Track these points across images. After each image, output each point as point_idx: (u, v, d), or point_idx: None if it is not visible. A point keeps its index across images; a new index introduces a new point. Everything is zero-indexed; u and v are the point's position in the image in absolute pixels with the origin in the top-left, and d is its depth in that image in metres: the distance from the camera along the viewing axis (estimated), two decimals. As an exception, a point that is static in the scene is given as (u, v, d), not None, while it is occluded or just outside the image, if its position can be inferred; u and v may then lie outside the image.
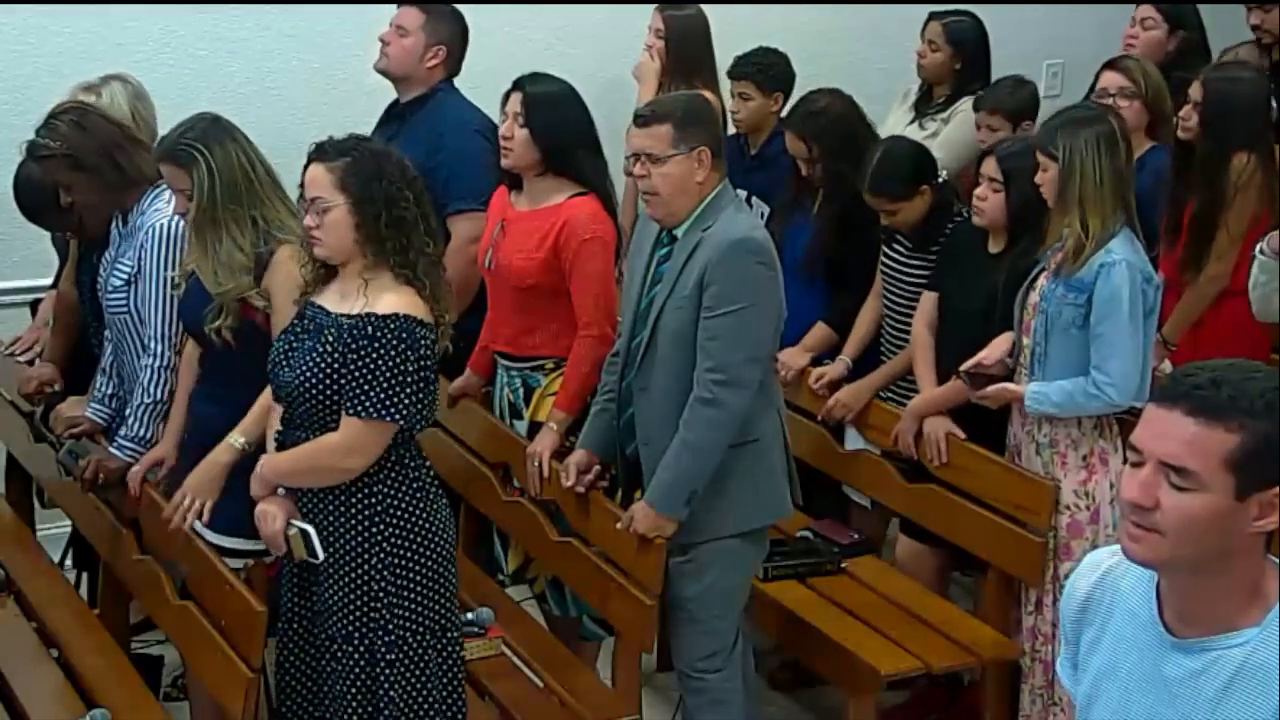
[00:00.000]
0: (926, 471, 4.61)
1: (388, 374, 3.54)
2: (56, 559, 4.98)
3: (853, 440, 4.95)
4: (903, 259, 4.84)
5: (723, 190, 4.06)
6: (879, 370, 4.89)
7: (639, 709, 4.18)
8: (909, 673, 4.38)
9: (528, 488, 4.46)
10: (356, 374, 3.55)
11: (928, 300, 4.70)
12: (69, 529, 5.08)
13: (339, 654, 3.69)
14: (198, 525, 4.02)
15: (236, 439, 3.95)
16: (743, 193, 5.34)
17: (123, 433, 4.30)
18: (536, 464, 4.39)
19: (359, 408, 3.55)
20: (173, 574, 4.05)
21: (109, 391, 4.50)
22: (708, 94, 5.30)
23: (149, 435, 4.28)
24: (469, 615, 4.32)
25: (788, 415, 4.32)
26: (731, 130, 5.62)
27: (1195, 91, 4.83)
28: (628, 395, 4.15)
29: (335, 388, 3.58)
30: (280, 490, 3.74)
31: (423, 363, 3.58)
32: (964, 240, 4.63)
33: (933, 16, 5.83)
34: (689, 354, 3.97)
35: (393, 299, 3.58)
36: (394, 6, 5.28)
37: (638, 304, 4.12)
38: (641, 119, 4.06)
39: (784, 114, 5.40)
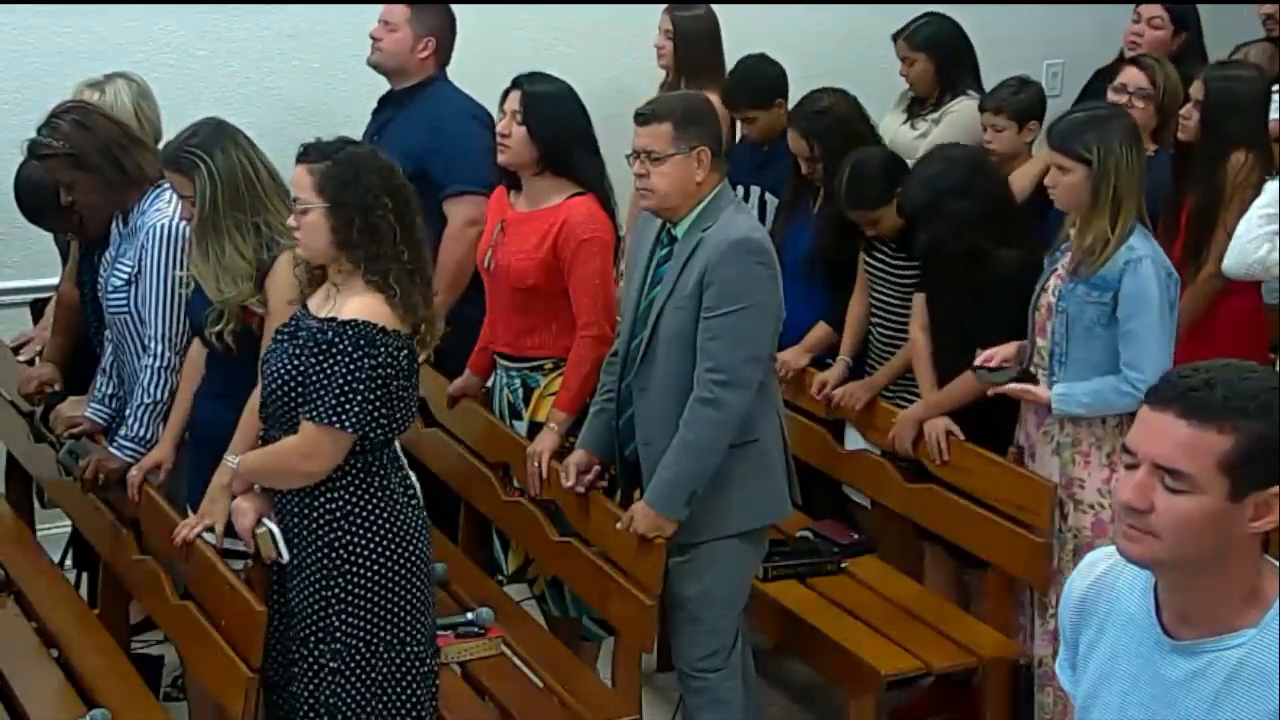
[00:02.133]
0: (926, 471, 4.61)
1: (341, 381, 3.52)
2: (56, 559, 4.98)
3: (853, 440, 4.95)
4: (889, 262, 4.83)
5: (722, 190, 4.06)
6: (884, 369, 4.87)
7: (639, 709, 4.17)
8: (909, 673, 4.38)
9: (528, 488, 4.46)
10: (314, 378, 3.55)
11: (921, 302, 4.69)
12: (69, 529, 5.08)
13: (296, 656, 3.69)
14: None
15: (231, 459, 3.93)
16: (756, 189, 5.36)
17: (123, 433, 4.30)
18: (536, 464, 4.39)
19: (313, 412, 3.55)
20: (173, 574, 4.05)
21: (109, 391, 4.50)
22: (715, 95, 5.31)
23: (149, 435, 4.27)
24: (469, 615, 4.33)
25: (787, 415, 4.32)
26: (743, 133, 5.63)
27: (1196, 90, 4.84)
28: (627, 396, 4.14)
29: (298, 390, 3.58)
30: (257, 488, 3.76)
31: (380, 371, 3.53)
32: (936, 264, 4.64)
33: (895, 37, 5.78)
34: (688, 354, 3.97)
35: (357, 304, 3.56)
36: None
37: (637, 304, 4.12)
38: (642, 117, 4.06)
39: (790, 108, 5.35)
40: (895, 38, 5.77)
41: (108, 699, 3.91)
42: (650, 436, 4.07)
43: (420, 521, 3.72)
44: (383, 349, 3.53)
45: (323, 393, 3.53)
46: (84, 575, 5.03)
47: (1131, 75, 5.08)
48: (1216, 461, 2.06)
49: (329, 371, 3.53)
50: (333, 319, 3.56)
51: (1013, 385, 4.30)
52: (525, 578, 4.73)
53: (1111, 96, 5.03)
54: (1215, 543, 2.10)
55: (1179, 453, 2.08)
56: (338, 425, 3.53)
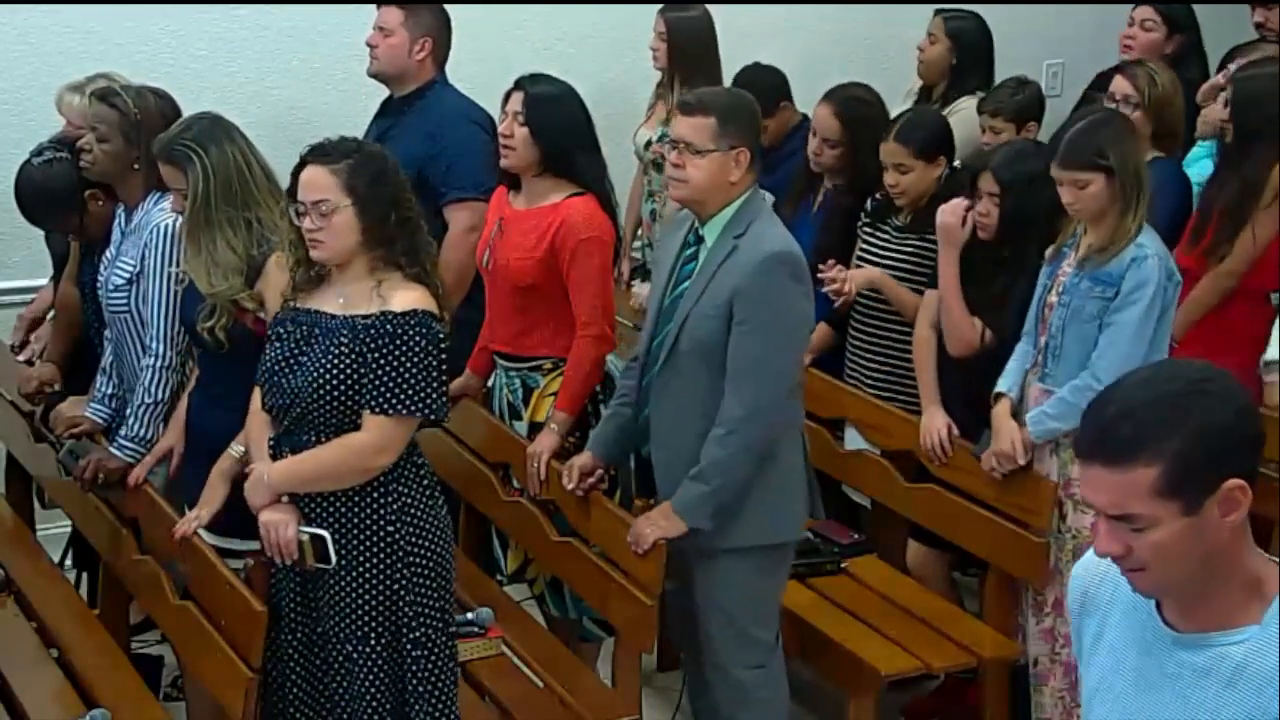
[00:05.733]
0: (926, 471, 4.61)
1: (413, 370, 3.56)
2: (56, 559, 4.97)
3: (853, 440, 4.95)
4: (892, 240, 4.85)
5: (753, 195, 4.01)
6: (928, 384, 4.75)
7: (639, 709, 4.17)
8: (909, 673, 4.38)
9: (528, 488, 4.46)
10: (381, 372, 3.56)
11: (932, 298, 4.68)
12: (69, 529, 5.07)
13: (354, 654, 3.68)
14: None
15: (236, 448, 3.94)
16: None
17: (123, 433, 4.30)
18: (536, 464, 4.38)
19: (387, 405, 3.56)
20: (173, 574, 4.05)
21: (109, 391, 4.50)
22: None
23: (149, 435, 4.27)
24: (469, 615, 4.32)
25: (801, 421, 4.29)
26: None
27: (1228, 92, 4.87)
28: (646, 394, 4.11)
29: (355, 389, 3.58)
30: (284, 498, 3.72)
31: (441, 357, 3.62)
32: (966, 244, 4.62)
33: (937, 12, 5.90)
34: (713, 366, 3.93)
35: (408, 296, 3.60)
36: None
37: (661, 303, 4.09)
38: (687, 107, 4.01)
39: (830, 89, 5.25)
40: (936, 13, 5.90)
41: (108, 699, 3.91)
42: (666, 442, 4.05)
43: (445, 505, 3.81)
44: (440, 336, 3.61)
45: (392, 385, 3.56)
46: (84, 575, 5.03)
47: (1118, 84, 5.09)
48: (1154, 493, 2.07)
49: (398, 363, 3.56)
50: (388, 312, 3.57)
51: (988, 456, 4.33)
52: (525, 578, 4.73)
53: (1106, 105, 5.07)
54: (1202, 553, 2.11)
55: (1116, 499, 2.09)
56: (418, 414, 3.58)
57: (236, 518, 3.87)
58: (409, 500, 3.67)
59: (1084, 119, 4.29)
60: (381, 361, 3.56)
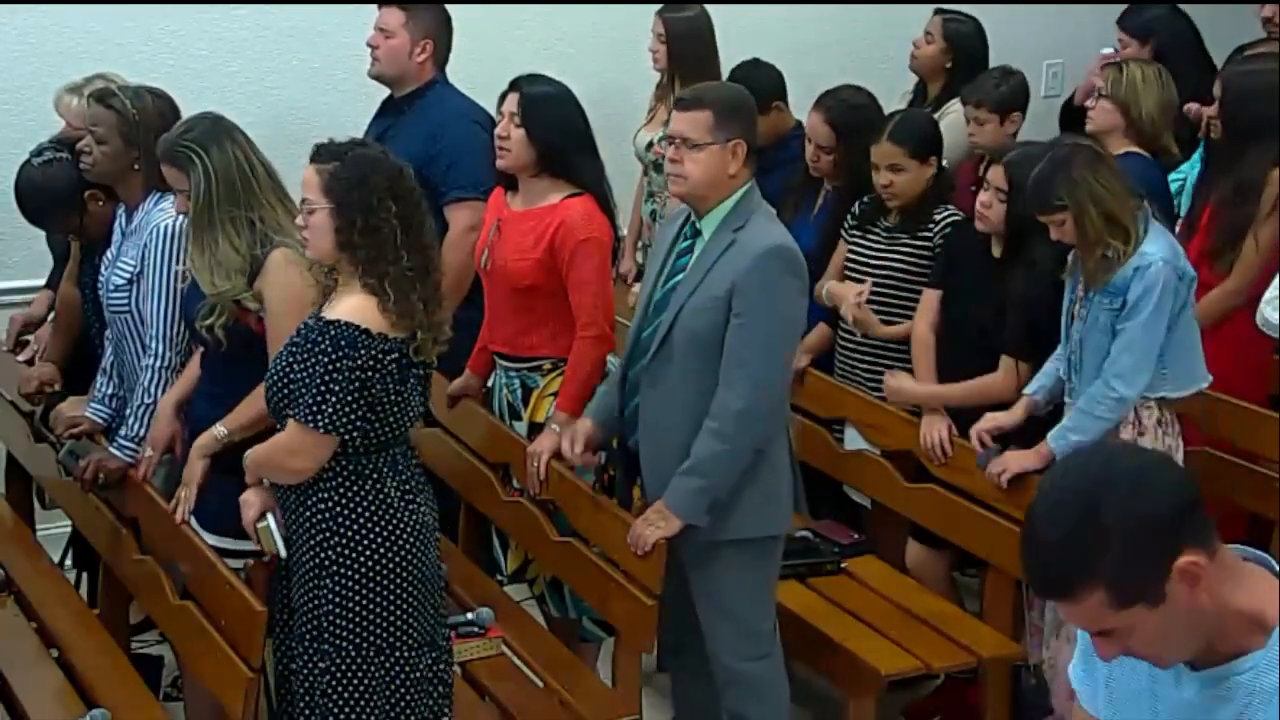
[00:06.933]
0: (926, 471, 4.61)
1: (319, 380, 3.53)
2: (56, 559, 4.98)
3: (853, 440, 4.95)
4: (883, 241, 4.84)
5: (752, 189, 4.02)
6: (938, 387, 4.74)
7: (639, 709, 4.17)
8: (909, 673, 4.38)
9: (528, 488, 4.45)
10: (297, 377, 3.58)
11: (931, 298, 4.68)
12: (69, 529, 5.08)
13: (295, 653, 3.71)
14: (195, 525, 4.05)
15: (219, 429, 3.99)
16: None
17: (123, 433, 4.30)
18: (536, 464, 4.38)
19: (294, 410, 3.58)
20: (173, 574, 4.05)
21: (109, 391, 4.50)
22: None
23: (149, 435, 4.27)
24: (469, 615, 4.33)
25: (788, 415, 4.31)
26: None
27: (1217, 88, 4.85)
28: (634, 385, 4.11)
29: (289, 387, 3.61)
30: (265, 482, 3.78)
31: (360, 374, 3.52)
32: (966, 243, 4.62)
33: (937, 11, 5.90)
34: (707, 359, 3.93)
35: (346, 305, 3.56)
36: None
37: (652, 293, 4.09)
38: (683, 102, 4.03)
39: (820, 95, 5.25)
40: (936, 12, 5.91)
41: (108, 699, 3.91)
42: (656, 434, 4.04)
43: (419, 527, 3.68)
44: (364, 351, 3.52)
45: (303, 392, 3.56)
46: (84, 575, 5.03)
47: (1094, 79, 5.18)
48: (1111, 608, 2.09)
49: (309, 371, 3.55)
50: (318, 319, 3.58)
51: (1000, 465, 4.31)
52: (525, 578, 4.73)
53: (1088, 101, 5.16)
54: (1191, 623, 2.13)
55: (1088, 622, 2.14)
56: (311, 424, 3.54)
57: (237, 517, 3.87)
58: (341, 513, 3.61)
59: (1042, 158, 4.28)
60: (299, 366, 3.58)
